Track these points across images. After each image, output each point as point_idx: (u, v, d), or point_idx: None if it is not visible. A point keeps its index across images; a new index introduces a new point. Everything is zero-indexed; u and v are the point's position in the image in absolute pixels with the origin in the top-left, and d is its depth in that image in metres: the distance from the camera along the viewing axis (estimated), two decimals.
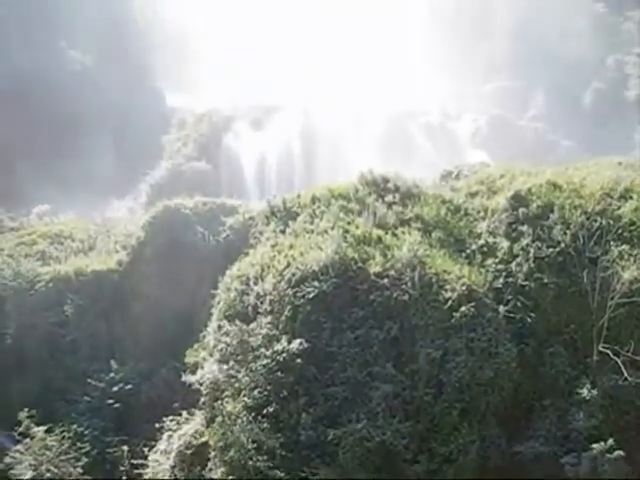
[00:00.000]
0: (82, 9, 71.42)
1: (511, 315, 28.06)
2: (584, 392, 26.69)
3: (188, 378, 27.43)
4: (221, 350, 27.02)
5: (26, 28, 68.31)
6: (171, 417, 28.34)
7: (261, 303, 28.43)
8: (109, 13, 73.78)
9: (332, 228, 29.72)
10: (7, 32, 67.97)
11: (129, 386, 31.53)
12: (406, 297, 27.21)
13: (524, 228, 30.37)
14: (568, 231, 29.42)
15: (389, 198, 32.09)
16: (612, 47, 79.90)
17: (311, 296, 27.43)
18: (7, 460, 27.04)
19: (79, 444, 28.43)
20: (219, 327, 28.44)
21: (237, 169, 65.17)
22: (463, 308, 26.97)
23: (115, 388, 31.45)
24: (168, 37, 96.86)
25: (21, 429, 27.23)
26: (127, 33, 76.31)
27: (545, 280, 28.94)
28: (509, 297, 28.68)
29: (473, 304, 27.18)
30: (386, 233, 29.80)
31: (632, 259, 28.36)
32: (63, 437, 27.84)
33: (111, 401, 31.09)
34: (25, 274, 35.52)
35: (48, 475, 26.88)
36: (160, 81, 79.98)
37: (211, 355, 27.90)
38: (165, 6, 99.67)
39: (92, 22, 71.09)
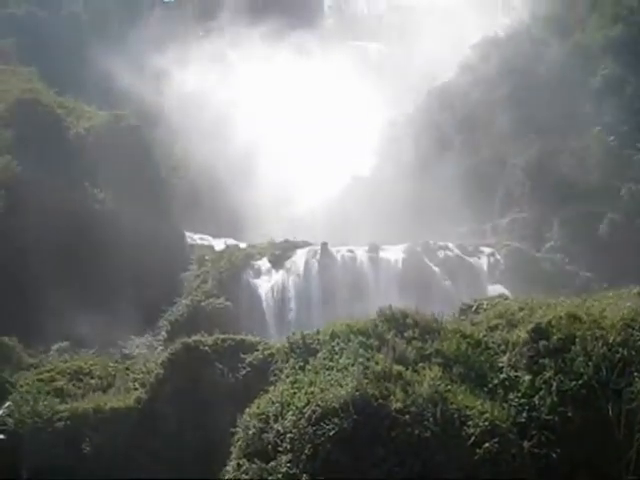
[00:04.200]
0: (103, 154, 73.29)
1: (536, 450, 27.58)
2: None
3: None
4: None
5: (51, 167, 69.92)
6: None
7: (281, 441, 28.03)
8: (130, 158, 75.59)
9: (352, 364, 29.53)
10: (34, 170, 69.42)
11: None
12: (428, 433, 26.82)
13: (546, 361, 30.07)
14: (590, 363, 29.08)
15: (409, 333, 32.00)
16: (625, 178, 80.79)
17: (331, 434, 27.05)
18: None
19: None
20: (238, 466, 28.05)
21: (256, 305, 65.55)
22: (487, 444, 26.52)
23: None
24: (186, 179, 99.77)
25: None
26: (148, 175, 77.99)
27: (569, 414, 28.47)
28: (533, 432, 28.23)
29: (497, 440, 26.74)
30: (406, 369, 29.57)
31: None
32: None
33: None
34: (43, 411, 35.43)
35: None
36: (179, 220, 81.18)
37: None
38: (186, 154, 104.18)
39: (113, 164, 72.79)
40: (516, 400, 29.29)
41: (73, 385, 39.38)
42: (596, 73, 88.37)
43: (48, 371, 41.30)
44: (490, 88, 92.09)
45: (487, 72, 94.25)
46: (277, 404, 29.31)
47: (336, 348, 31.79)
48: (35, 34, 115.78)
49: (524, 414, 28.76)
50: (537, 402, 29.05)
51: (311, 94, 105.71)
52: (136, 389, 37.44)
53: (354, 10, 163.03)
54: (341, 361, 30.48)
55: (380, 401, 27.81)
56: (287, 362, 33.13)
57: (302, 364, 31.91)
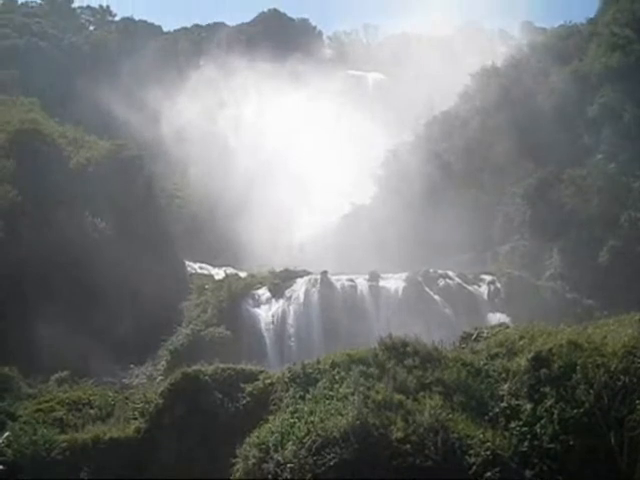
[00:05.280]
0: (104, 183, 73.42)
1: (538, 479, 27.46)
2: None
3: None
4: None
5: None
6: None
7: (281, 471, 27.86)
8: (130, 188, 75.83)
9: (352, 394, 29.45)
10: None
11: None
12: (429, 463, 26.69)
13: (547, 389, 29.96)
14: (592, 391, 28.94)
15: (409, 362, 31.94)
16: (624, 205, 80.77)
17: (332, 463, 26.93)
18: None
19: None
20: None
21: (256, 335, 65.43)
22: (488, 473, 26.40)
23: None
24: (186, 208, 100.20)
25: None
26: (148, 204, 78.17)
27: (571, 442, 28.33)
28: (535, 461, 28.07)
29: (498, 469, 26.63)
30: (407, 398, 29.49)
31: None
32: None
33: None
34: (42, 442, 35.24)
35: None
36: (179, 249, 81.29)
37: None
38: (186, 183, 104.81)
39: (113, 193, 72.99)
40: (517, 429, 29.15)
41: (72, 415, 39.12)
42: (594, 101, 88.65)
43: (47, 401, 41.04)
44: (489, 117, 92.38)
45: (486, 101, 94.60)
46: (277, 434, 29.17)
47: (336, 377, 31.73)
48: (37, 65, 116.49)
49: (526, 443, 28.61)
50: (539, 431, 28.90)
51: (310, 123, 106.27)
52: (135, 419, 37.21)
53: (353, 40, 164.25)
54: (341, 390, 30.39)
55: (381, 430, 27.71)
56: (287, 391, 33.02)
57: (302, 393, 31.80)
